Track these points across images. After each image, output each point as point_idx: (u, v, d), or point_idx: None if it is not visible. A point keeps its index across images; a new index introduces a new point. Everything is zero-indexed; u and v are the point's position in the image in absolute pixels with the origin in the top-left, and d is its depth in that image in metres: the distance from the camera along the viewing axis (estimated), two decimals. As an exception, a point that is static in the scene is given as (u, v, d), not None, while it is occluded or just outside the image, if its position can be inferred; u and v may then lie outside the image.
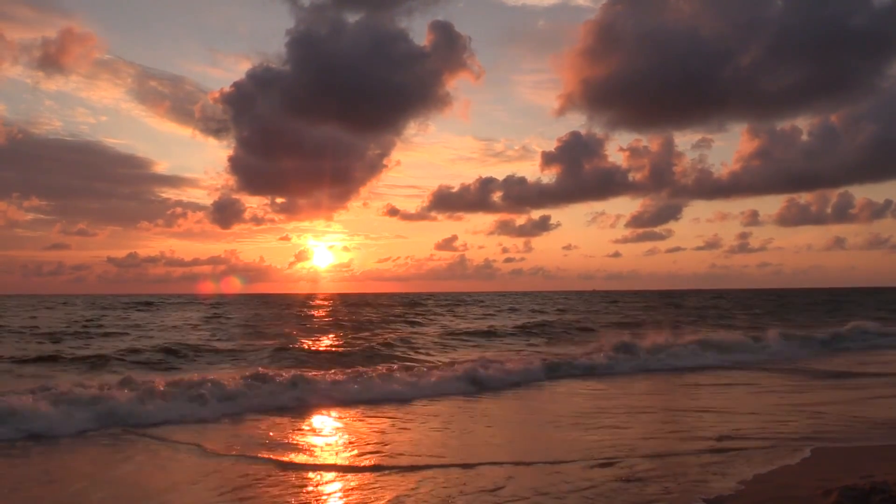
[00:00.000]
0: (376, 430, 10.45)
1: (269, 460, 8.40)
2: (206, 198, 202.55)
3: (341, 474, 7.84)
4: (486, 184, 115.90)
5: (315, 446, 9.42)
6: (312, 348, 22.80)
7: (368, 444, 9.39)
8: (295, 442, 9.67)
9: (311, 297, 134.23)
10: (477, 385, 15.00)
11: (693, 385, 15.73)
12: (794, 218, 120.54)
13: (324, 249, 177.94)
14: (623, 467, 7.81)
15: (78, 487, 7.29)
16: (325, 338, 28.06)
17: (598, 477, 7.42)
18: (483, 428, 10.68)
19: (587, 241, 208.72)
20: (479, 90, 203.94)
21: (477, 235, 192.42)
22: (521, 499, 6.67)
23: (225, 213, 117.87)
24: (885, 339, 26.80)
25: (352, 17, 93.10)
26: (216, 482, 7.39)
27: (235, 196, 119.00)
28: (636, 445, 9.00)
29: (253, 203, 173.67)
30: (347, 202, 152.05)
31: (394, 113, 79.03)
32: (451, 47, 75.88)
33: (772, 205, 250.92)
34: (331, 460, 8.52)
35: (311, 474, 7.81)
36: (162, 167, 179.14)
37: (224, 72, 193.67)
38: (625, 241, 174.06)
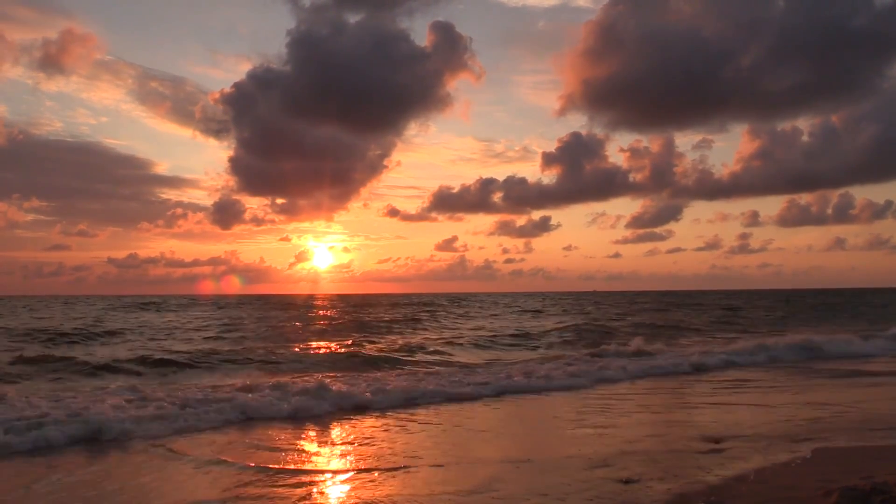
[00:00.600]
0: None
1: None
2: (206, 198, 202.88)
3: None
4: (487, 184, 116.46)
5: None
6: (381, 352, 22.14)
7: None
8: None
9: (312, 298, 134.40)
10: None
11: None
12: (794, 218, 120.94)
13: (324, 250, 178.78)
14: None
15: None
16: (383, 340, 27.90)
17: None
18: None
19: (587, 241, 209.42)
20: (480, 91, 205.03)
21: (477, 236, 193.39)
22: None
23: (225, 213, 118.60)
24: None
25: (352, 18, 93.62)
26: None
27: (236, 197, 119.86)
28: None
29: (253, 204, 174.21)
30: (348, 203, 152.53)
31: (394, 113, 79.42)
32: (451, 48, 76.20)
33: (772, 205, 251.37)
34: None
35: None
36: (162, 168, 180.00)
37: (225, 73, 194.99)
38: (625, 241, 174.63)
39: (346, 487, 7.28)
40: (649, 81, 67.87)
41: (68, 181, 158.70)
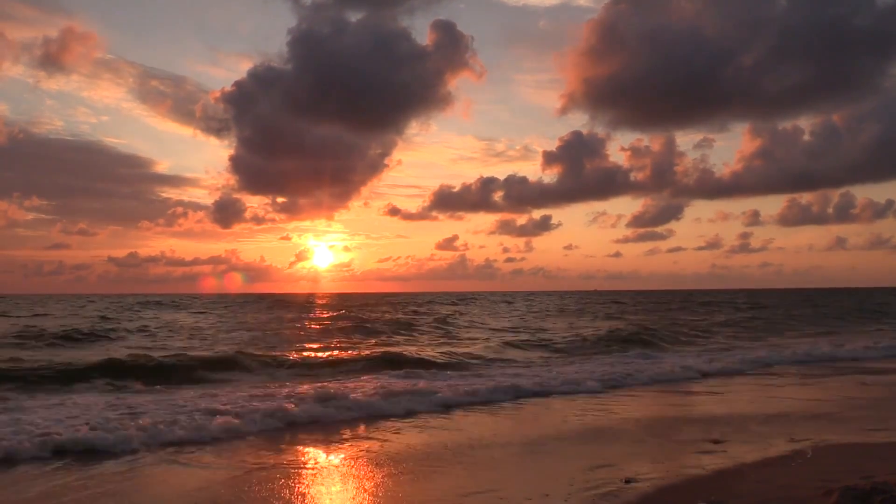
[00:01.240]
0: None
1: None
2: (206, 197, 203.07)
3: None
4: (488, 183, 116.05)
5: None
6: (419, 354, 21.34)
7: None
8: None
9: (316, 297, 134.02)
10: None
11: None
12: (795, 218, 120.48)
13: (324, 249, 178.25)
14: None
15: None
16: (458, 340, 27.76)
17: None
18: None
19: (588, 240, 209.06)
20: (481, 90, 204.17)
21: (478, 235, 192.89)
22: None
23: (226, 212, 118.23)
24: None
25: (353, 16, 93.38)
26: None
27: (236, 196, 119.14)
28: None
29: (254, 203, 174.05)
30: (348, 202, 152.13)
31: (395, 112, 79.20)
32: (453, 46, 75.86)
33: (773, 205, 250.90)
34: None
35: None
36: (163, 167, 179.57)
37: (225, 71, 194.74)
38: (626, 240, 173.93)
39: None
40: (650, 80, 67.75)
41: (69, 180, 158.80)
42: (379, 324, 35.02)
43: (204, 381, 16.09)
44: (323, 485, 7.43)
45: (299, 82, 66.26)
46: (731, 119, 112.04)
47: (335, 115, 72.16)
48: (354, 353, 21.73)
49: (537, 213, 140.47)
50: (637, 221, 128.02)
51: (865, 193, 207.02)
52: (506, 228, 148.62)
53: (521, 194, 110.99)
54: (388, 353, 20.51)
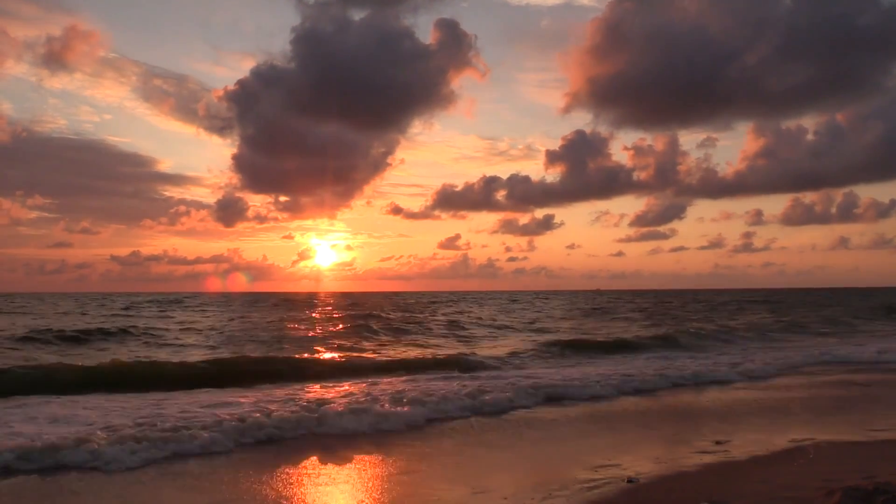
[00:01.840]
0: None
1: None
2: (209, 196, 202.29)
3: None
4: (490, 182, 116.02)
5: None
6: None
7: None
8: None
9: (317, 296, 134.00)
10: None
11: None
12: (798, 217, 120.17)
13: (327, 248, 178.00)
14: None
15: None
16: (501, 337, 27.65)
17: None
18: None
19: (590, 240, 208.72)
20: (484, 89, 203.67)
21: (480, 234, 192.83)
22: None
23: (228, 211, 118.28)
24: None
25: (357, 15, 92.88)
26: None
27: (239, 194, 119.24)
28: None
29: (256, 201, 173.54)
30: (351, 201, 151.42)
31: (398, 111, 79.26)
32: (456, 45, 75.89)
33: (776, 204, 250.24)
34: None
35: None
36: (165, 165, 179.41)
37: (228, 70, 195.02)
38: (628, 240, 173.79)
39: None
40: (654, 79, 67.69)
41: (71, 178, 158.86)
42: (419, 325, 34.46)
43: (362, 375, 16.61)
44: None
45: (302, 81, 66.35)
46: (735, 118, 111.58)
47: (338, 113, 72.13)
48: (423, 354, 21.72)
49: (540, 213, 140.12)
50: (640, 221, 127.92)
51: (869, 193, 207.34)
52: (508, 228, 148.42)
53: (523, 193, 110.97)
54: (462, 356, 20.40)
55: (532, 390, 13.22)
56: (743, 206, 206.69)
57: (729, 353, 23.08)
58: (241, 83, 73.58)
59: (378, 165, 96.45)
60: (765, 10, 65.74)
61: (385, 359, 19.93)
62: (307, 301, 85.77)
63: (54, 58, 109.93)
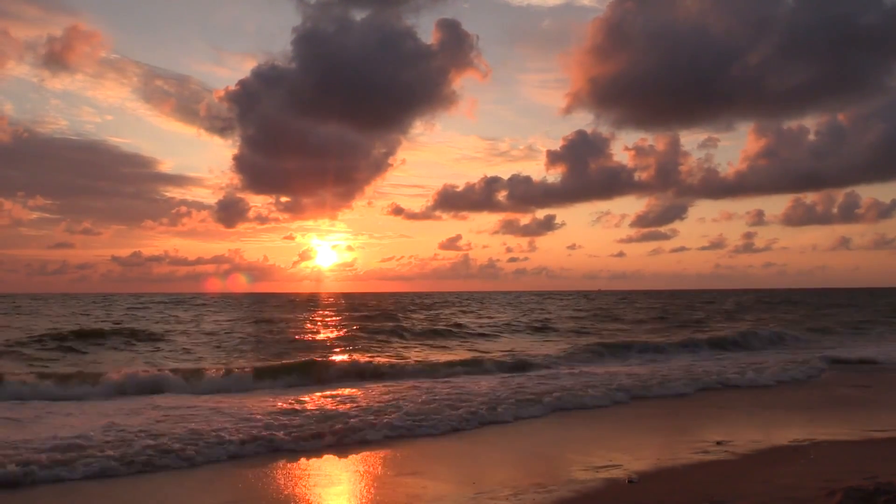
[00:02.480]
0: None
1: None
2: (210, 197, 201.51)
3: None
4: (491, 183, 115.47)
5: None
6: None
7: None
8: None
9: (319, 296, 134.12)
10: None
11: None
12: (799, 218, 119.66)
13: (327, 249, 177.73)
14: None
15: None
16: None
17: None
18: None
19: (591, 240, 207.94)
20: (485, 89, 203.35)
21: (481, 235, 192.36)
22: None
23: (229, 211, 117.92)
24: None
25: (358, 15, 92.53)
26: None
27: (240, 195, 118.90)
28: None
29: (257, 202, 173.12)
30: (352, 201, 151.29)
31: (400, 111, 79.02)
32: (458, 46, 75.66)
33: (778, 204, 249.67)
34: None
35: None
36: (167, 166, 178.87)
37: (230, 70, 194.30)
38: (629, 240, 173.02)
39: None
40: (655, 79, 67.40)
41: (73, 179, 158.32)
42: (457, 326, 33.75)
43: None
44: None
45: (303, 81, 66.19)
46: (736, 118, 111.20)
47: (339, 114, 72.04)
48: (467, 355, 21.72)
49: (541, 213, 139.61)
50: (641, 221, 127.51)
51: (870, 193, 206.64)
52: (509, 228, 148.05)
53: (524, 194, 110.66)
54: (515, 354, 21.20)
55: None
56: (744, 206, 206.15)
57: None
58: (242, 84, 73.45)
59: (379, 166, 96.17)
60: (766, 9, 65.51)
61: (456, 359, 19.94)
62: (322, 302, 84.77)
63: (56, 58, 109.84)
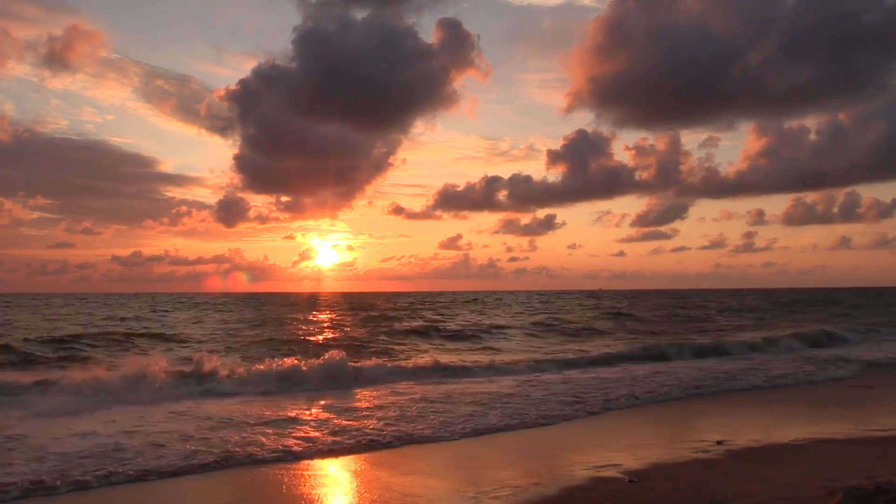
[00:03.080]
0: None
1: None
2: (210, 196, 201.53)
3: None
4: (492, 182, 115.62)
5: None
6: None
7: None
8: None
9: (320, 295, 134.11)
10: None
11: None
12: (800, 217, 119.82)
13: (328, 248, 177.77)
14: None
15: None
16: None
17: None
18: None
19: (592, 240, 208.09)
20: (485, 89, 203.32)
21: (481, 234, 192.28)
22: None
23: (229, 211, 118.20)
24: None
25: (359, 15, 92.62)
26: None
27: (240, 195, 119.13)
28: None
29: (258, 202, 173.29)
30: (352, 201, 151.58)
31: (401, 111, 79.08)
32: (459, 45, 75.84)
33: (778, 204, 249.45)
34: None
35: None
36: (167, 166, 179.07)
37: (230, 70, 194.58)
38: (630, 240, 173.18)
39: None
40: (656, 79, 67.48)
41: (73, 179, 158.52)
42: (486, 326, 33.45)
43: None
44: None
45: (304, 81, 66.29)
46: (737, 118, 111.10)
47: (340, 113, 72.11)
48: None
49: (541, 213, 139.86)
50: (641, 221, 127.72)
51: (871, 193, 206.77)
52: (509, 228, 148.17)
53: (525, 193, 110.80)
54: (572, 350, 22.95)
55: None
56: (744, 205, 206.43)
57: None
58: (242, 83, 73.69)
59: (380, 165, 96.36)
60: (767, 9, 65.56)
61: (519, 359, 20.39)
62: (320, 302, 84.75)
63: (56, 58, 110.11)
